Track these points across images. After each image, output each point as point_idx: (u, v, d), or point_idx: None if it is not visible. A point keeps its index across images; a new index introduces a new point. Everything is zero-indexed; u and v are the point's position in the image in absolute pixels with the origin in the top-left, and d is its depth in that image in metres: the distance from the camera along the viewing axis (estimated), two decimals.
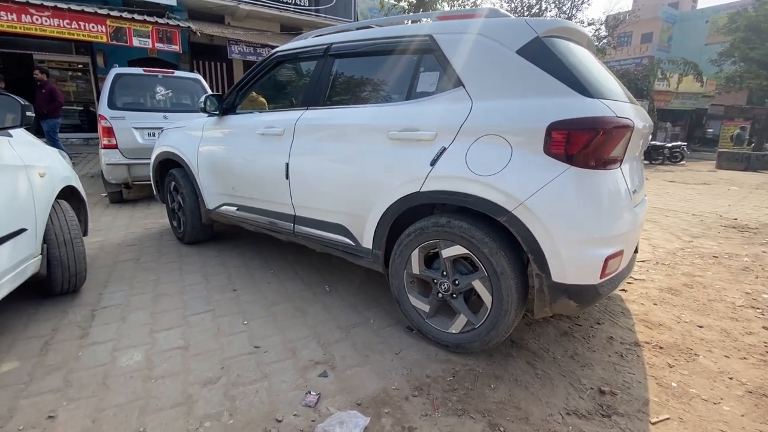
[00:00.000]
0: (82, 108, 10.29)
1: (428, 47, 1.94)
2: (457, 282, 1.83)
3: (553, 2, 12.49)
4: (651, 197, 6.84)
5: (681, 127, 23.36)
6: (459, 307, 1.85)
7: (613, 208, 1.60)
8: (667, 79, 17.16)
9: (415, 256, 1.94)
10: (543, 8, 12.62)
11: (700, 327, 2.21)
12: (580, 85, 1.59)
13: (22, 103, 1.83)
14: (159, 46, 8.39)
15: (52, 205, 2.25)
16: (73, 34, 7.43)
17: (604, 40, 14.82)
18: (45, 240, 2.19)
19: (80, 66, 10.00)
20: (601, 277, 1.55)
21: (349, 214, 2.18)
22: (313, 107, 2.36)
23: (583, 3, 12.46)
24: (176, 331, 2.06)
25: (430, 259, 1.96)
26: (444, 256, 1.84)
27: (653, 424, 1.48)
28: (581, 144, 1.51)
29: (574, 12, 12.62)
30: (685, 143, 15.08)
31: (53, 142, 7.20)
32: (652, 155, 14.41)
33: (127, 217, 4.37)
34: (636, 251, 1.93)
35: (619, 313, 2.34)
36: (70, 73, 9.98)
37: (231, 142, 2.82)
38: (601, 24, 13.17)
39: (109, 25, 7.65)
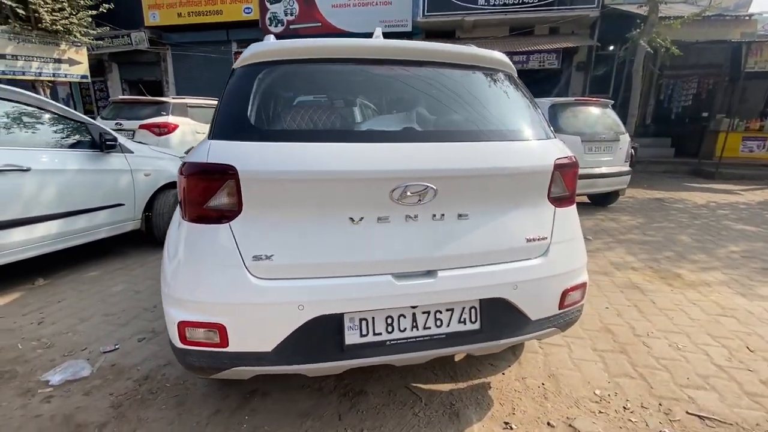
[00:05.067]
0: None
1: None
2: None
3: None
4: None
5: None
6: None
7: (197, 269, 1.35)
8: None
9: None
10: None
11: None
12: (217, 126, 1.42)
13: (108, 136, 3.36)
14: None
15: (159, 191, 3.86)
16: None
17: None
18: (151, 211, 3.82)
19: None
20: (182, 343, 1.38)
21: None
22: None
23: None
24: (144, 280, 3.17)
25: None
26: None
27: None
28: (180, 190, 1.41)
29: None
30: None
31: None
32: None
33: None
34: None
35: None
36: None
37: None
38: None
39: None
